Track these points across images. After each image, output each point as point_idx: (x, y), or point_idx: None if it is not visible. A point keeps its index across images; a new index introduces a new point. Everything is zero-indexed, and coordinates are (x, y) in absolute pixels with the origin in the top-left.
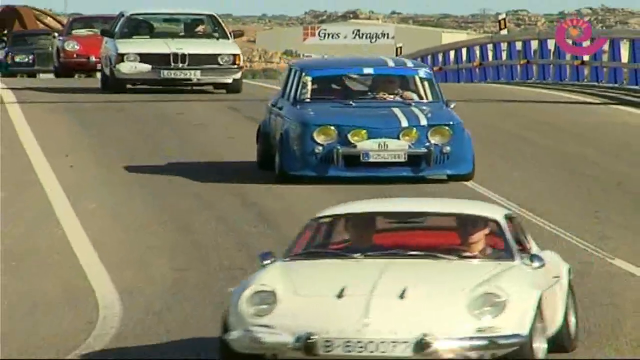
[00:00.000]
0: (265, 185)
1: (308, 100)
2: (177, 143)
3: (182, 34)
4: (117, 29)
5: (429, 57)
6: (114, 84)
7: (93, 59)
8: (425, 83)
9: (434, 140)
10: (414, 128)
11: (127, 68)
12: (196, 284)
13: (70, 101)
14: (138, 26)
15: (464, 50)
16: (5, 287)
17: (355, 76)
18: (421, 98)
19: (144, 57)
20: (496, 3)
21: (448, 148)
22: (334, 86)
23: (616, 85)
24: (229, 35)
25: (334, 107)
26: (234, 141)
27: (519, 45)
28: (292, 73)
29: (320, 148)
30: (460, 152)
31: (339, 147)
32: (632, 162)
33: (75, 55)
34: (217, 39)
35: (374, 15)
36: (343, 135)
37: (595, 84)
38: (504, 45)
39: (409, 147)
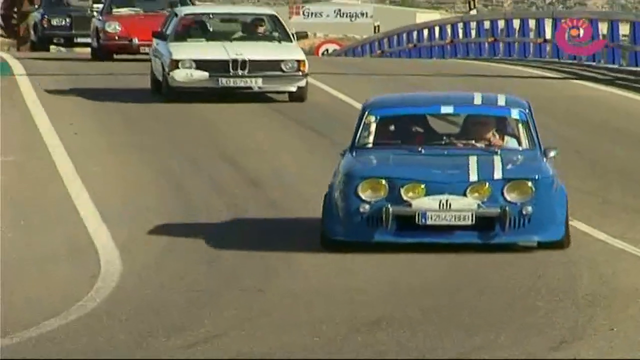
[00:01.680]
0: (250, 147)
1: (369, 146)
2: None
3: (241, 35)
4: (169, 30)
5: (404, 35)
6: (168, 93)
7: (136, 41)
8: (520, 126)
9: (510, 198)
10: (487, 182)
11: (182, 76)
12: (189, 241)
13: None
14: (192, 27)
15: (436, 29)
16: (14, 242)
17: (443, 115)
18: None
19: (200, 64)
20: None
21: (529, 208)
22: (411, 128)
23: (575, 61)
24: (291, 37)
25: (394, 155)
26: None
27: (487, 25)
28: (360, 113)
29: (367, 206)
30: (545, 213)
31: (389, 206)
32: (588, 131)
33: (116, 37)
34: (279, 41)
35: None
36: (396, 190)
37: (556, 60)
38: (473, 25)
39: (478, 206)
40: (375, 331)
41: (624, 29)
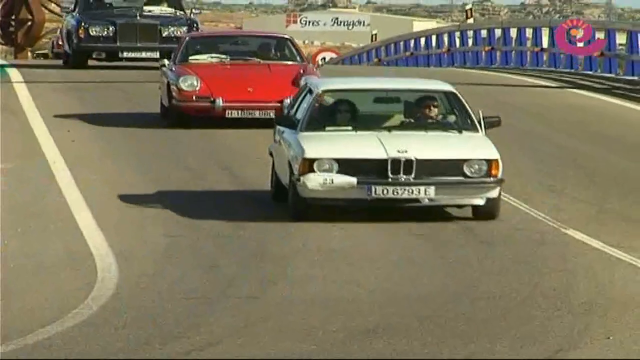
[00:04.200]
0: (249, 157)
1: None
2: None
3: (403, 121)
4: (300, 112)
5: (402, 43)
6: (296, 207)
7: (220, 102)
8: None
9: None
10: None
11: (318, 183)
12: (187, 249)
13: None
14: (334, 110)
15: (433, 38)
16: (12, 250)
17: None
18: None
19: (345, 165)
20: None
21: None
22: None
23: (572, 70)
24: (477, 124)
25: None
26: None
27: (484, 33)
28: None
29: None
30: None
31: None
32: (585, 140)
33: (194, 97)
34: (459, 130)
35: (351, 4)
36: None
37: (553, 69)
38: (470, 33)
39: None
40: (371, 339)
41: (621, 39)
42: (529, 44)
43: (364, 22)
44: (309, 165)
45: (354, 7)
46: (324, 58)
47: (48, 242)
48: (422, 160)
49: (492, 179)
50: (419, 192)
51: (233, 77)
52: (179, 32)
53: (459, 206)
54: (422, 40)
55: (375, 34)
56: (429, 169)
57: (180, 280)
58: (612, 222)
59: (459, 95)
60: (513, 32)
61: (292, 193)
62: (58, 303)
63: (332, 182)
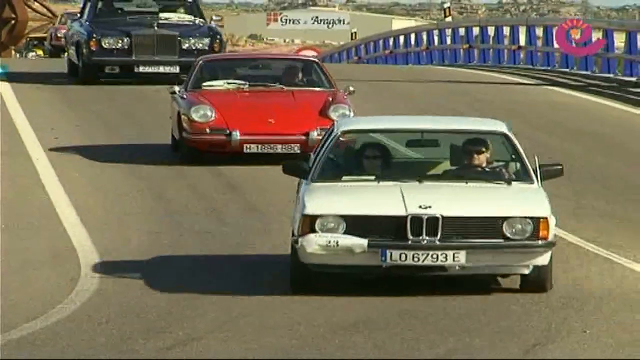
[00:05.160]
0: (233, 158)
1: None
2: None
3: (445, 172)
4: (315, 165)
5: (381, 41)
6: (296, 275)
7: (237, 135)
8: None
9: None
10: None
11: (319, 245)
12: (169, 246)
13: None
14: (358, 156)
15: (412, 36)
16: None
17: None
18: None
19: (354, 223)
20: None
21: None
22: None
23: (549, 68)
24: (530, 172)
25: None
26: None
27: (462, 31)
28: None
29: None
30: None
31: None
32: (562, 137)
33: (207, 130)
34: (510, 181)
35: (330, 3)
36: None
37: (530, 67)
38: (448, 31)
39: None
40: (352, 333)
41: (597, 36)
42: (506, 42)
43: (343, 20)
44: (309, 223)
45: (334, 6)
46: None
47: (32, 238)
48: (450, 217)
49: (540, 242)
50: (445, 258)
51: (252, 107)
52: (200, 45)
53: (503, 276)
54: (402, 38)
55: (355, 32)
56: (459, 229)
57: (163, 276)
58: (588, 218)
59: (511, 136)
60: (491, 30)
61: (292, 259)
62: (42, 299)
63: (337, 245)
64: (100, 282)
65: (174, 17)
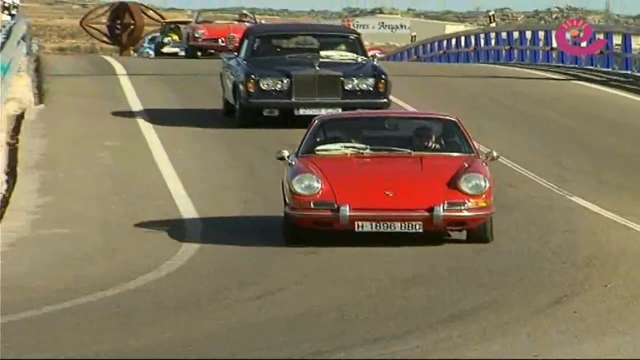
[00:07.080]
0: None
1: None
2: None
3: None
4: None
5: (436, 43)
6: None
7: (346, 211)
8: None
9: None
10: None
11: None
12: (259, 214)
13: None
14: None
15: (462, 39)
16: (116, 212)
17: None
18: None
19: None
20: (487, 2)
21: None
22: None
23: (576, 65)
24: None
25: None
26: None
27: (504, 35)
28: None
29: None
30: None
31: None
32: (586, 122)
33: (311, 204)
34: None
35: (394, 11)
36: None
37: (561, 64)
38: (492, 35)
39: None
40: (409, 287)
41: (617, 40)
42: (541, 44)
43: (405, 25)
44: None
45: (397, 13)
46: (374, 55)
47: (145, 206)
48: None
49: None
50: None
51: (368, 176)
52: (363, 85)
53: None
54: (453, 41)
55: (414, 36)
56: None
57: (253, 238)
58: (609, 191)
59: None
60: (528, 34)
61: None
62: (154, 255)
63: None
64: (202, 242)
65: (335, 55)
